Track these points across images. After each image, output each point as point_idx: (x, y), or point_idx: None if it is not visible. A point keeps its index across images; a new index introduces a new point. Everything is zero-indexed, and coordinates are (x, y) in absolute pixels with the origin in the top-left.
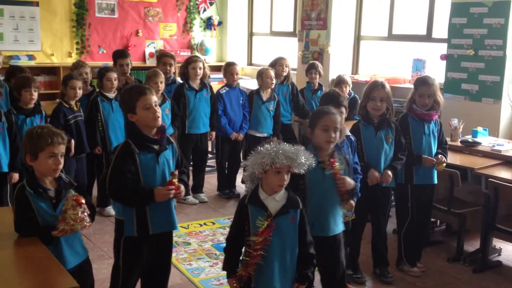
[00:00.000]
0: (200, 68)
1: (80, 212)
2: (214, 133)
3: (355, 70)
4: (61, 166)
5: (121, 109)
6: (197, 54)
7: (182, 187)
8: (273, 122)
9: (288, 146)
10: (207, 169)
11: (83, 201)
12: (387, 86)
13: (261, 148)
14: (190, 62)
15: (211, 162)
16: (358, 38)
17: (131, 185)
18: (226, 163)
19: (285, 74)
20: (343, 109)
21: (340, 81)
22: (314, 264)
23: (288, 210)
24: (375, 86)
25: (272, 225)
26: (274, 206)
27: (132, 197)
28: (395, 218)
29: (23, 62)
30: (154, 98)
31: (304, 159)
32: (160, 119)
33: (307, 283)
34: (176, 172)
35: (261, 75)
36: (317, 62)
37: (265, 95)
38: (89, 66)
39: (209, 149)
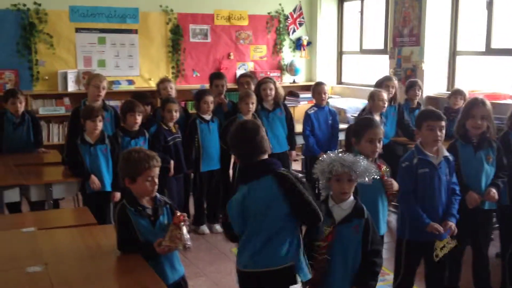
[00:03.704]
0: (270, 89)
1: (185, 233)
2: (293, 152)
3: (450, 87)
4: (156, 187)
5: None
6: (286, 74)
7: None
8: None
9: (348, 155)
10: None
11: (186, 219)
12: (488, 103)
13: (324, 157)
14: (260, 84)
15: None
16: (453, 54)
17: None
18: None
19: (391, 95)
20: (444, 123)
21: (455, 92)
22: (375, 272)
23: (352, 219)
24: (475, 104)
25: (334, 232)
26: (339, 214)
27: None
28: (497, 241)
29: (124, 87)
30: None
31: (363, 168)
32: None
33: None
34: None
35: (373, 97)
36: (418, 80)
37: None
38: (174, 83)
39: (293, 168)
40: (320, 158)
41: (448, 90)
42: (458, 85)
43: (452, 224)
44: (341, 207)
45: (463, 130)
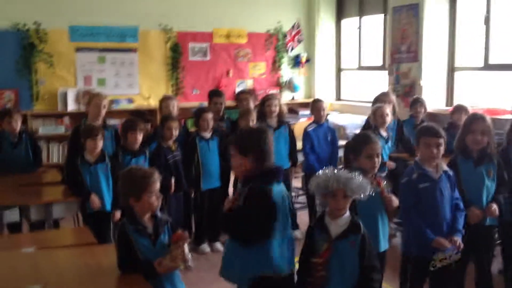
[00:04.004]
0: (275, 106)
1: (186, 252)
2: (293, 169)
3: (449, 103)
4: (159, 201)
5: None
6: (286, 91)
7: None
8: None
9: (343, 172)
10: (298, 206)
11: (186, 236)
12: (488, 118)
13: (319, 173)
14: (265, 100)
15: (302, 198)
16: (451, 70)
17: None
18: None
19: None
20: (442, 140)
21: (459, 108)
22: None
23: (348, 234)
24: (475, 119)
25: (331, 248)
26: (336, 230)
27: None
28: (500, 257)
29: (123, 105)
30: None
31: (357, 186)
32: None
33: None
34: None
35: (375, 113)
36: (421, 97)
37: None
38: (177, 101)
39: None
40: (316, 174)
41: (447, 105)
42: (457, 100)
43: (458, 239)
44: (337, 223)
45: (463, 145)
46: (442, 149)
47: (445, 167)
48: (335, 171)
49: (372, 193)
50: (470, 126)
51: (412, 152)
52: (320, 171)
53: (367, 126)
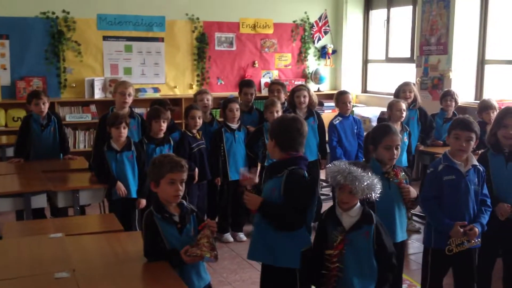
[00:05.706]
0: (304, 97)
1: (212, 242)
2: (324, 161)
3: (478, 96)
4: (181, 193)
5: None
6: (311, 82)
7: None
8: (407, 153)
9: (355, 169)
10: (323, 197)
11: (214, 226)
12: None
13: (332, 164)
14: (295, 91)
15: (326, 190)
16: (482, 62)
17: None
18: None
19: (410, 100)
20: (473, 135)
21: (486, 107)
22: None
23: (361, 225)
24: (508, 113)
25: (345, 240)
26: (349, 222)
27: None
28: None
29: (149, 94)
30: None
31: (366, 185)
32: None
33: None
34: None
35: (391, 107)
36: (453, 90)
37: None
38: (211, 95)
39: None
40: (329, 165)
41: (476, 99)
42: (486, 94)
43: (476, 230)
44: (349, 215)
45: (495, 139)
46: (472, 143)
47: (475, 162)
48: (347, 165)
49: (383, 189)
50: (502, 120)
51: (428, 136)
52: (334, 163)
53: (381, 120)
